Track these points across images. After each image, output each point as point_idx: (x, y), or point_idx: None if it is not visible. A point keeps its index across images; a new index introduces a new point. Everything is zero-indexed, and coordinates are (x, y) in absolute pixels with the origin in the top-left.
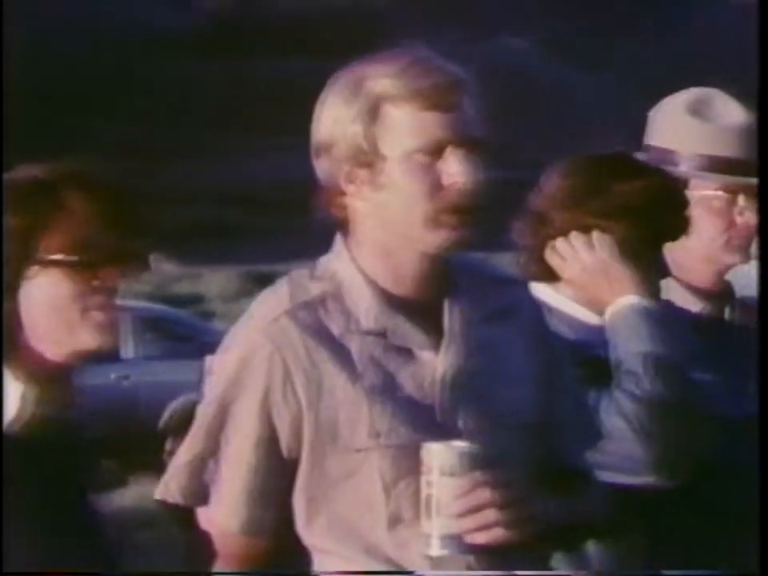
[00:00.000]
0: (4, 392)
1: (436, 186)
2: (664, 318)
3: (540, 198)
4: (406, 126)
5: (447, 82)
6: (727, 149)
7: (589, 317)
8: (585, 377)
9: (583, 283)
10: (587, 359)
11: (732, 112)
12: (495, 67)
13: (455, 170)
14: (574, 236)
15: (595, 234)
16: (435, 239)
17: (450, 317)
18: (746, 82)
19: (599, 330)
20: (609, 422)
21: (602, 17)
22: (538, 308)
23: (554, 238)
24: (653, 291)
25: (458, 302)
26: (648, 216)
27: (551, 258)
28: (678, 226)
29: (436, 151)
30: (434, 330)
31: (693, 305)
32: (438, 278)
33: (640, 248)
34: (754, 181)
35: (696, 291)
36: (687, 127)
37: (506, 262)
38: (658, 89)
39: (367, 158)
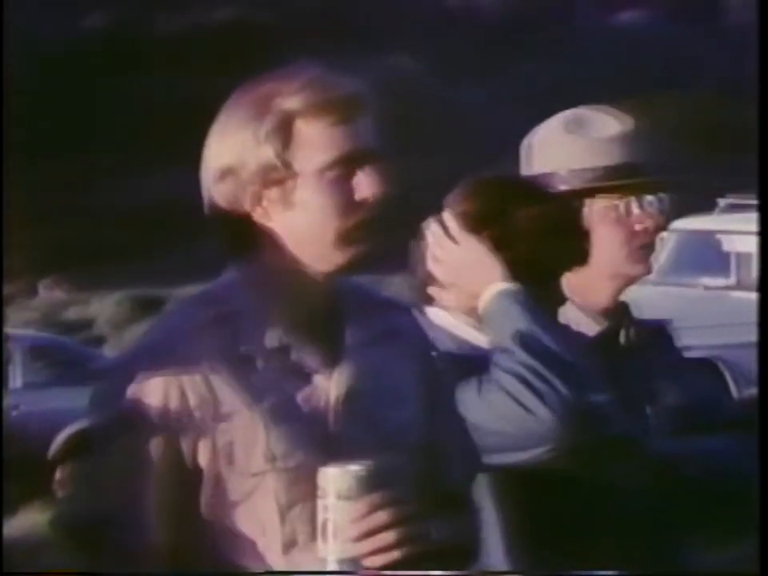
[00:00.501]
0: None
1: (348, 203)
2: (535, 304)
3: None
4: (318, 141)
5: (352, 96)
6: (607, 158)
7: (482, 341)
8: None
9: (460, 282)
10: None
11: (607, 124)
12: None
13: (367, 185)
14: (437, 236)
15: (452, 227)
16: (345, 257)
17: (341, 339)
18: (617, 98)
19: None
20: (492, 402)
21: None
22: (422, 330)
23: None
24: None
25: (348, 325)
26: (546, 243)
27: (432, 267)
28: (575, 254)
29: (348, 166)
30: (327, 353)
31: (589, 327)
32: (331, 300)
33: (537, 275)
34: (645, 179)
35: (593, 313)
36: (566, 146)
37: (397, 284)
38: (550, 108)
39: (279, 176)
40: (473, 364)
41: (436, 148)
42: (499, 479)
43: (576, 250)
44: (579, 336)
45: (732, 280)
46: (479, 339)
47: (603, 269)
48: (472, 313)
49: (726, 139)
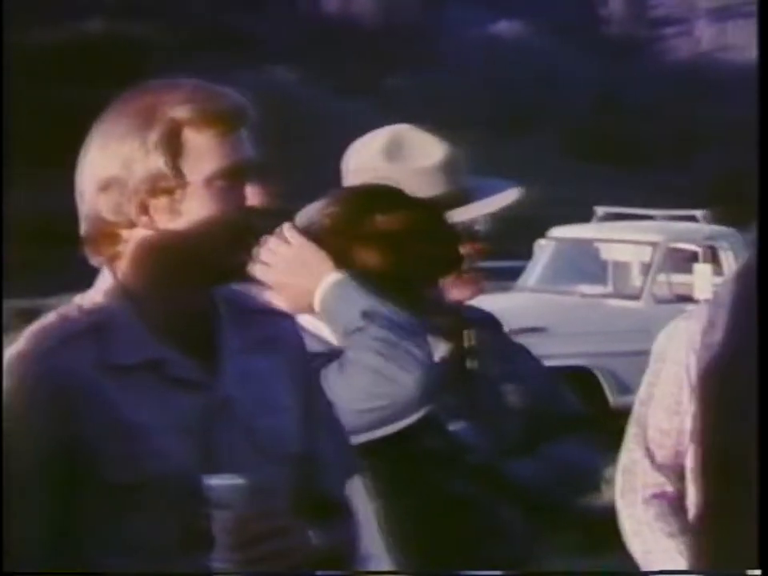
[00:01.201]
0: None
1: (235, 211)
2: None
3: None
4: (206, 150)
5: (235, 107)
6: (429, 188)
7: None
8: None
9: (292, 282)
10: None
11: (427, 150)
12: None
13: (252, 195)
14: (269, 239)
15: (285, 227)
16: (231, 265)
17: (218, 348)
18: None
19: None
20: (358, 382)
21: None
22: (299, 338)
23: None
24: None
25: (224, 333)
26: (414, 249)
27: (260, 272)
28: (445, 259)
29: (235, 176)
30: (204, 362)
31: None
32: (208, 309)
33: (406, 282)
34: (463, 212)
35: (434, 332)
36: (386, 174)
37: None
38: (422, 118)
39: (167, 185)
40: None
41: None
42: (374, 477)
43: (445, 255)
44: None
45: (609, 288)
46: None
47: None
48: (308, 310)
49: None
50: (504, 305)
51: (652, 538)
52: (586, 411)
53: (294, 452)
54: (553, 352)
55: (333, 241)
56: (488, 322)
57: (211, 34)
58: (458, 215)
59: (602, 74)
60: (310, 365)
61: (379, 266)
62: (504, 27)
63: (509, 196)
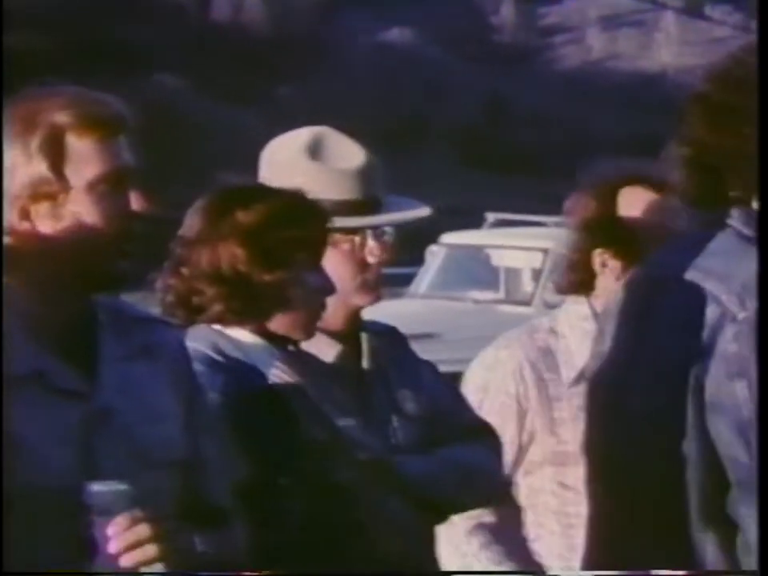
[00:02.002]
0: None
1: (119, 216)
2: None
3: (179, 240)
4: (88, 155)
5: (115, 114)
6: (349, 192)
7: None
8: None
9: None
10: None
11: (349, 153)
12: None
13: (135, 201)
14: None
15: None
16: (111, 272)
17: (98, 356)
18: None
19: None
20: None
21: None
22: (181, 345)
23: (196, 278)
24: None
25: (105, 341)
26: (279, 236)
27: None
28: (314, 240)
29: (117, 182)
30: (84, 371)
31: (327, 351)
32: (88, 317)
33: (283, 270)
34: (376, 219)
35: (330, 336)
36: (309, 173)
37: (152, 302)
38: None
39: (50, 190)
40: (238, 373)
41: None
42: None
43: (314, 237)
44: (318, 361)
45: (500, 294)
46: (242, 347)
47: (335, 296)
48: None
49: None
50: (395, 311)
51: (480, 568)
52: (481, 420)
53: (178, 458)
54: (445, 358)
55: (202, 245)
56: (393, 335)
57: (100, 43)
58: (368, 222)
59: (493, 82)
60: (191, 371)
61: (249, 260)
62: (395, 36)
63: (420, 212)
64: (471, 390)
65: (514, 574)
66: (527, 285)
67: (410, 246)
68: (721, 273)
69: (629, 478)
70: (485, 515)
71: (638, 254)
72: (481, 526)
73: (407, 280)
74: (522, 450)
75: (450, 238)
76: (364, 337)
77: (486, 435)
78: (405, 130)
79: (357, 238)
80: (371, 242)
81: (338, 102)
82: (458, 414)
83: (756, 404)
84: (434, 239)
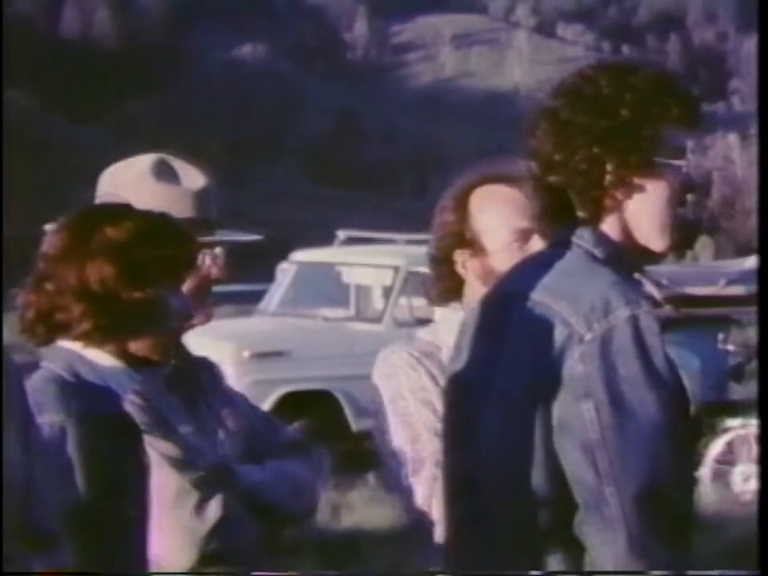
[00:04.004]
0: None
1: None
2: None
3: (42, 256)
4: None
5: None
6: (192, 211)
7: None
8: None
9: None
10: None
11: (193, 176)
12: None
13: None
14: None
15: None
16: None
17: None
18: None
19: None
20: None
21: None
22: (15, 367)
23: (61, 294)
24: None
25: None
26: (147, 253)
27: None
28: (179, 259)
29: None
30: None
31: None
32: None
33: (149, 287)
34: (226, 236)
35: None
36: (158, 193)
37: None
38: (163, 143)
39: None
40: (91, 397)
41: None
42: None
43: (178, 256)
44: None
45: (351, 311)
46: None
47: None
48: None
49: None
50: (245, 328)
51: None
52: (302, 437)
53: (14, 482)
54: (295, 376)
55: (69, 261)
56: (208, 361)
57: None
58: (218, 239)
59: (345, 98)
60: (25, 394)
61: (117, 277)
62: (248, 52)
63: (251, 238)
64: (388, 402)
65: (517, 574)
66: (378, 302)
67: (260, 264)
68: (569, 294)
69: (480, 495)
70: None
71: (492, 250)
72: None
73: (257, 297)
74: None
75: (300, 255)
76: (186, 357)
77: (306, 450)
78: (256, 145)
79: (203, 257)
80: (208, 261)
81: (188, 118)
82: (274, 432)
83: (760, 403)
84: (284, 256)
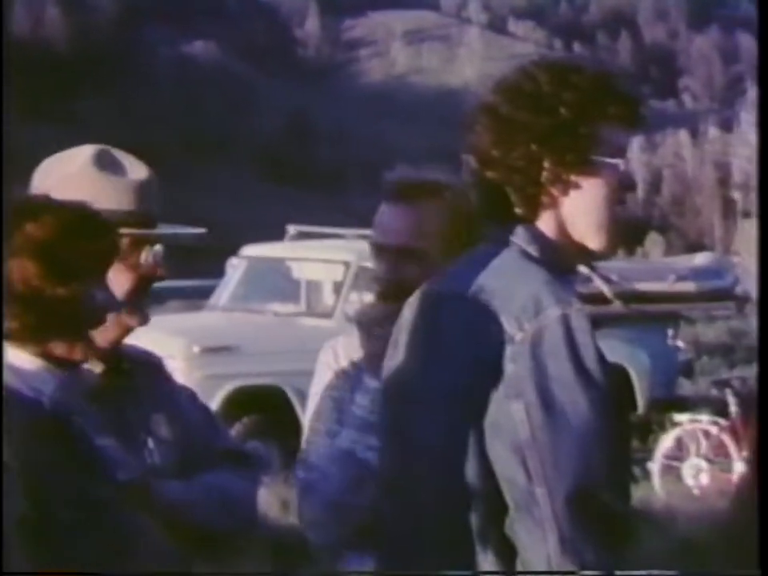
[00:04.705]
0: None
1: None
2: None
3: None
4: None
5: None
6: (135, 203)
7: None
8: None
9: None
10: None
11: (135, 168)
12: None
13: None
14: None
15: None
16: None
17: None
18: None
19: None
20: None
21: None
22: None
23: None
24: None
25: None
26: (70, 247)
27: None
28: (102, 251)
29: None
30: None
31: (94, 368)
32: None
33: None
34: (165, 231)
35: (96, 357)
36: (99, 184)
37: None
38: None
39: None
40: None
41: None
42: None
43: (102, 248)
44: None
45: (301, 307)
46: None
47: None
48: None
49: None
50: (195, 324)
51: None
52: (240, 445)
53: None
54: (245, 371)
55: None
56: (148, 360)
57: None
58: (158, 233)
59: (296, 96)
60: None
61: (41, 275)
62: (199, 50)
63: (194, 231)
64: (310, 397)
65: (517, 574)
66: (328, 297)
67: (210, 259)
68: (502, 293)
69: (412, 493)
70: None
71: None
72: None
73: (207, 293)
74: None
75: (250, 250)
76: (123, 359)
77: (242, 460)
78: (207, 144)
79: (137, 254)
80: (149, 258)
81: (140, 117)
82: (213, 439)
83: (759, 403)
84: (234, 252)
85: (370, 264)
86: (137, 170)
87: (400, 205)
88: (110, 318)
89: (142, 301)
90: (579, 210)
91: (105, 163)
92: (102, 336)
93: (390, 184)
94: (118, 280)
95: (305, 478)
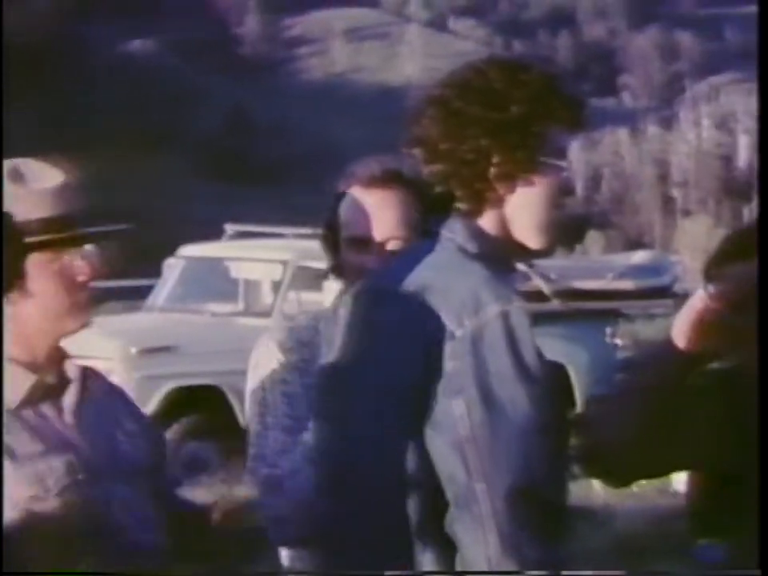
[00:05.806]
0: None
1: None
2: None
3: None
4: None
5: None
6: (46, 209)
7: None
8: None
9: None
10: None
11: (44, 175)
12: None
13: None
14: None
15: None
16: None
17: None
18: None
19: None
20: None
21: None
22: None
23: None
24: None
25: None
26: None
27: None
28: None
29: None
30: None
31: (22, 383)
32: None
33: None
34: (81, 231)
35: (26, 365)
36: (9, 197)
37: None
38: (49, 139)
39: None
40: None
41: None
42: None
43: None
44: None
45: (240, 306)
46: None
47: (42, 323)
48: None
49: (237, 170)
50: (133, 325)
51: None
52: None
53: None
54: (182, 371)
55: None
56: (85, 372)
57: None
58: (71, 234)
59: (235, 93)
60: None
61: None
62: (137, 47)
63: (118, 227)
64: (249, 393)
65: (516, 574)
66: (266, 297)
67: (147, 259)
68: (441, 289)
69: (351, 490)
70: None
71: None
72: None
73: (144, 293)
74: None
75: (188, 250)
76: (70, 364)
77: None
78: (146, 141)
79: (66, 257)
80: (79, 261)
81: (76, 115)
82: (145, 443)
83: (760, 405)
84: (171, 252)
85: (308, 263)
86: (50, 177)
87: (387, 193)
88: (41, 326)
89: (81, 303)
90: (522, 209)
91: (15, 176)
92: (33, 347)
93: (367, 174)
94: (49, 285)
95: (269, 474)
